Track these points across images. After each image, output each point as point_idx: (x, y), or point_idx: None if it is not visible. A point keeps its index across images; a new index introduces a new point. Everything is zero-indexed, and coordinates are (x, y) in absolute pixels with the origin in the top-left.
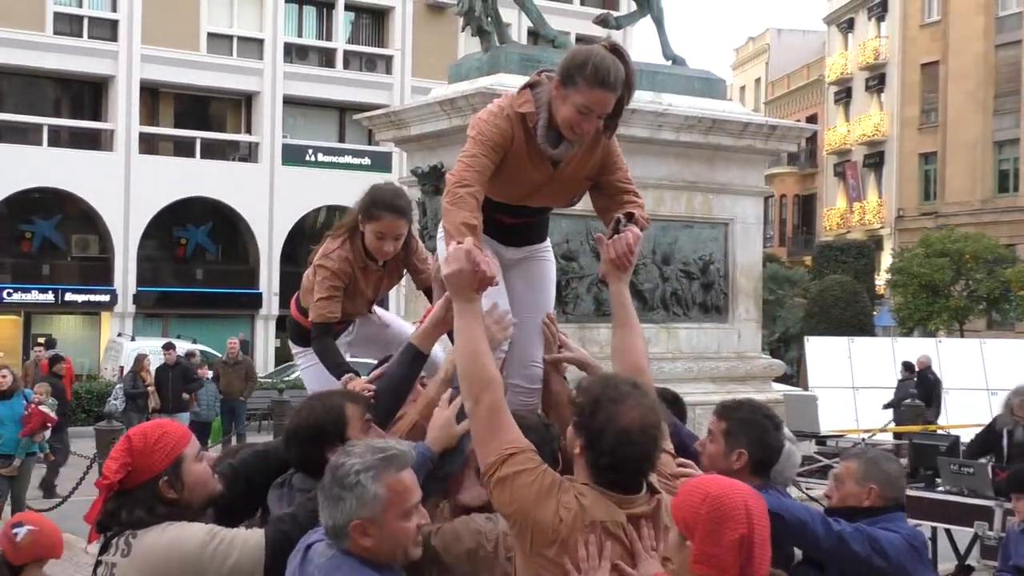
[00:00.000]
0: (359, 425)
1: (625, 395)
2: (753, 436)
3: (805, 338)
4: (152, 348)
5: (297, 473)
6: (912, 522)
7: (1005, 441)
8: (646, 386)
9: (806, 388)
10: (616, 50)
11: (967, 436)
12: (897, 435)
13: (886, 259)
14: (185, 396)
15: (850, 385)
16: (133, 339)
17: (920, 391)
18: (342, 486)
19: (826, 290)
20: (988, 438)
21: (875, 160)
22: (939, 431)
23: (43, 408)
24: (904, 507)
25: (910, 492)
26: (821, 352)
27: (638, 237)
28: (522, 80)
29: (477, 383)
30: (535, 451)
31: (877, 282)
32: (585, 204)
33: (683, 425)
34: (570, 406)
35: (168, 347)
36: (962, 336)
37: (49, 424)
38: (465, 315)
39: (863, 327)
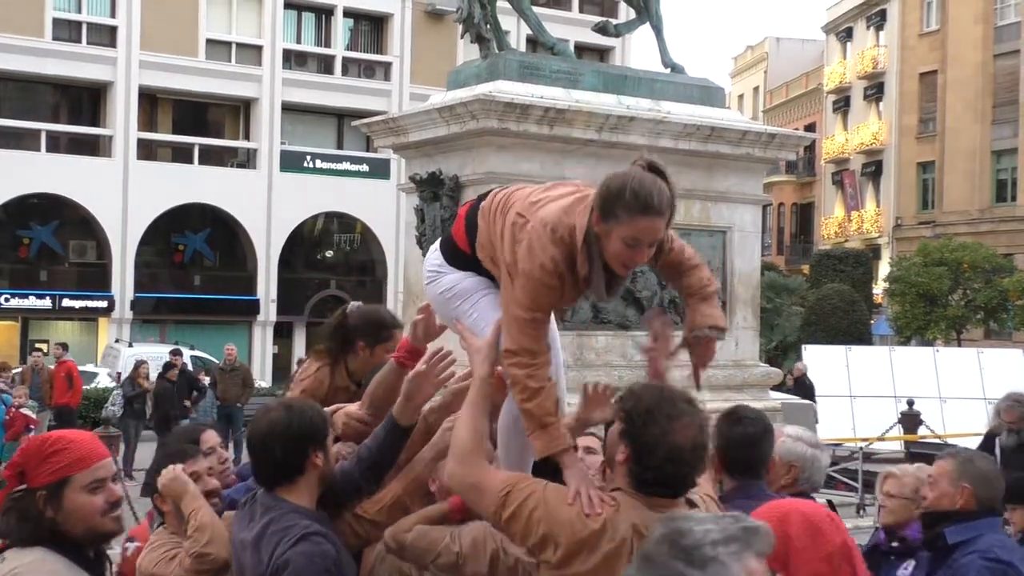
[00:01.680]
0: (331, 437)
1: (681, 412)
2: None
3: (803, 347)
4: (150, 354)
5: (260, 490)
6: None
7: (998, 449)
8: (699, 402)
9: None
10: (654, 168)
11: (964, 445)
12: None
13: (884, 268)
14: (186, 404)
15: (847, 394)
16: (131, 345)
17: (800, 397)
18: (690, 561)
19: (824, 299)
20: (986, 446)
21: (873, 169)
22: (937, 440)
23: (24, 411)
24: (1000, 512)
25: None
26: (819, 361)
27: (714, 345)
28: (520, 87)
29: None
30: (526, 475)
31: (875, 291)
32: None
33: None
34: (615, 410)
35: (175, 353)
36: (959, 345)
37: (32, 426)
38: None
39: (861, 336)
